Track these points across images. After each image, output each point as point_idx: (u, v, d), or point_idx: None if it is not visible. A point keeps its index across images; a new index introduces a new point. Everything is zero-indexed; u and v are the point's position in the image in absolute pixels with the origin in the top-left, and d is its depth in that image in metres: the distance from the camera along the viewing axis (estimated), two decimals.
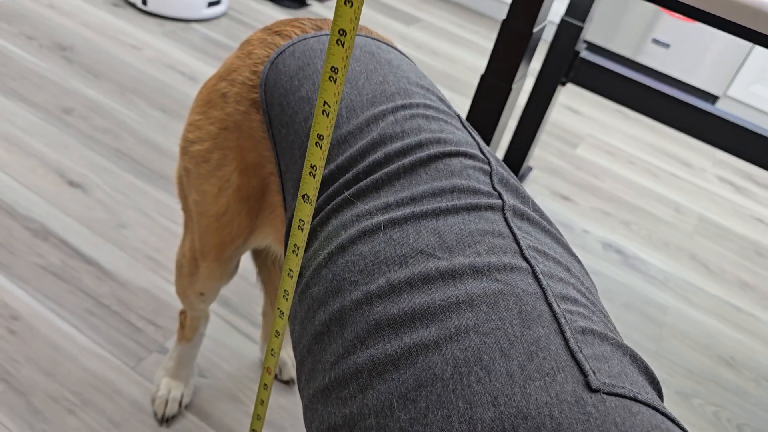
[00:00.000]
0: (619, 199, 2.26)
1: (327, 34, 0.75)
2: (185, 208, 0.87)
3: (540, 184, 2.20)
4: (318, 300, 0.58)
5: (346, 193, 0.63)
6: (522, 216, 0.62)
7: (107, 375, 1.21)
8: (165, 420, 1.16)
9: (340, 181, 0.64)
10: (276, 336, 0.69)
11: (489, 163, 0.66)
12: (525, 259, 0.56)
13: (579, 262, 0.64)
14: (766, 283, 2.07)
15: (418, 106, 0.68)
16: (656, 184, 2.44)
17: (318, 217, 0.64)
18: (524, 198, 0.65)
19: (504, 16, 3.52)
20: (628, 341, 1.67)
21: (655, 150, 2.69)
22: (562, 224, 2.03)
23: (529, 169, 2.23)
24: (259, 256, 1.05)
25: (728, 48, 2.95)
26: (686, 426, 1.49)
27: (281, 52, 0.73)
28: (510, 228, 0.59)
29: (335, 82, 0.50)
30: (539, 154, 2.38)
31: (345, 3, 0.45)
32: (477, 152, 0.66)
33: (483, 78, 1.36)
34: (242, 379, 1.28)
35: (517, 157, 2.04)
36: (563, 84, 1.88)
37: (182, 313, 1.12)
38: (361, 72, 0.71)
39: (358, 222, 0.60)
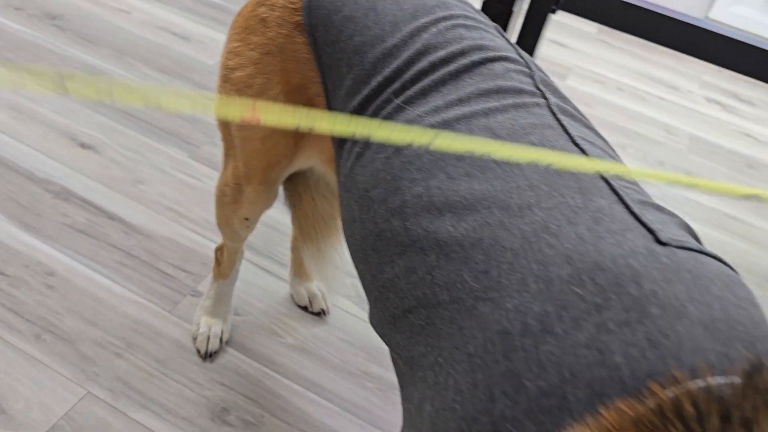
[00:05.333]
0: (611, 125, 2.32)
1: None
2: (226, 137, 0.91)
3: None
4: (378, 200, 0.61)
5: (396, 101, 0.66)
6: (565, 112, 0.65)
7: (147, 320, 1.27)
8: (208, 355, 1.22)
9: (389, 90, 0.68)
10: None
11: (529, 67, 0.70)
12: (577, 145, 0.59)
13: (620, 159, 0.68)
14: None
15: (458, 17, 0.72)
16: (646, 108, 2.49)
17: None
18: (564, 98, 0.69)
19: None
20: None
21: (641, 76, 2.74)
22: None
23: None
24: (290, 181, 1.10)
25: None
26: None
27: None
28: (558, 120, 0.62)
29: None
30: None
31: None
32: (517, 57, 0.70)
33: (485, 3, 1.39)
34: (275, 314, 1.34)
35: None
36: (553, 12, 1.91)
37: (219, 249, 1.17)
38: None
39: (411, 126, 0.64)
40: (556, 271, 0.48)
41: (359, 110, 0.69)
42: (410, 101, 0.65)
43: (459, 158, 0.58)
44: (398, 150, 0.62)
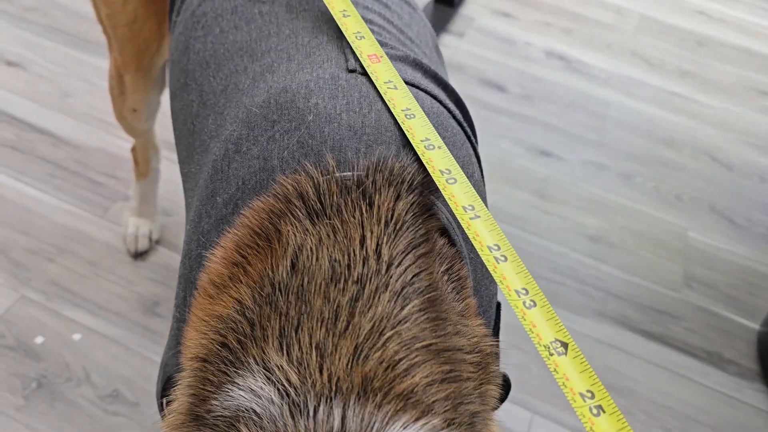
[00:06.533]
0: (559, 10, 2.28)
1: None
2: (105, 30, 0.92)
3: (480, 5, 2.21)
4: (176, 62, 0.66)
5: None
6: None
7: (79, 226, 1.30)
8: (138, 254, 1.25)
9: None
10: None
11: None
12: None
13: (415, 10, 0.70)
14: (706, 69, 2.14)
15: None
16: None
17: None
18: None
19: None
20: (572, 136, 1.76)
21: None
22: (504, 39, 2.07)
23: None
24: None
25: None
26: (629, 202, 1.60)
27: None
28: None
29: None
30: None
31: None
32: None
33: None
34: None
35: None
36: None
37: (133, 149, 1.18)
38: None
39: None
40: (257, 99, 0.53)
41: None
42: None
43: (233, 12, 0.62)
44: (193, 12, 0.65)
